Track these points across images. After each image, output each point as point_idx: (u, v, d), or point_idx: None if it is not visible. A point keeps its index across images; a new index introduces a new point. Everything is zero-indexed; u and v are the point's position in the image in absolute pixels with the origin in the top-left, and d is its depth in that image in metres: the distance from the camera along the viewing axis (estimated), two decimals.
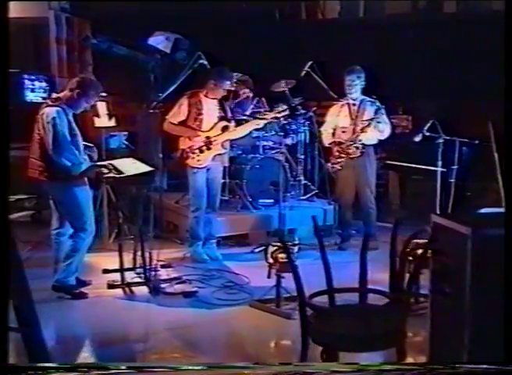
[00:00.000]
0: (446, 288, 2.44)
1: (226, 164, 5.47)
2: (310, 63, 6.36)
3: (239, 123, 5.46)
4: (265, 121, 5.47)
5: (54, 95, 4.43)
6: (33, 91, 6.96)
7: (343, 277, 2.97)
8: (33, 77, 6.96)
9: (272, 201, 6.00)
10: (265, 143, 6.20)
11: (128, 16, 7.34)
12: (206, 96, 5.22)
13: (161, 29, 7.16)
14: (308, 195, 6.47)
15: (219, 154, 5.23)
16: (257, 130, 6.09)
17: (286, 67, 7.06)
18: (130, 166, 4.65)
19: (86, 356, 3.59)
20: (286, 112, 5.52)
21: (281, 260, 4.07)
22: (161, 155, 6.16)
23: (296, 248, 4.24)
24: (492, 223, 2.35)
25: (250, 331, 3.88)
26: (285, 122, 6.36)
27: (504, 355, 2.16)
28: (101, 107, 5.57)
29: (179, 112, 5.18)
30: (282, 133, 6.23)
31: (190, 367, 2.34)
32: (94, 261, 5.17)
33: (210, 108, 5.23)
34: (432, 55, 7.43)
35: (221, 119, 5.25)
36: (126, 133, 6.30)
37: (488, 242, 2.25)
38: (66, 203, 4.33)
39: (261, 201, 6.03)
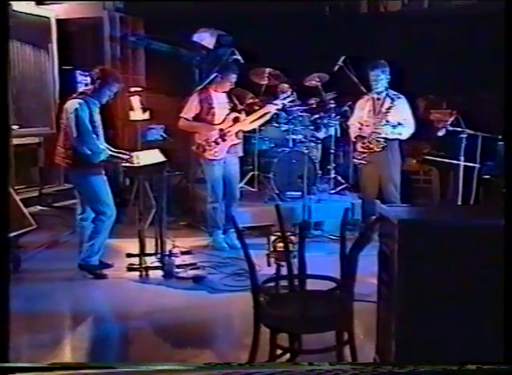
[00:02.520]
0: (384, 276, 2.50)
1: (241, 154, 5.65)
2: (343, 58, 6.39)
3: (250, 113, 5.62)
4: (272, 108, 5.58)
5: (80, 90, 4.79)
6: (86, 85, 7.42)
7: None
8: (86, 73, 7.41)
9: (299, 193, 6.09)
10: (295, 137, 6.30)
11: (179, 13, 7.62)
12: (215, 90, 5.44)
13: (205, 25, 7.45)
14: (338, 189, 6.52)
15: (234, 144, 5.43)
16: (286, 123, 6.24)
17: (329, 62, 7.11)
18: (151, 157, 4.95)
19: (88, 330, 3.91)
20: (291, 98, 5.64)
21: (279, 249, 4.19)
22: (194, 148, 6.47)
23: (295, 239, 4.32)
24: (423, 214, 2.39)
25: (245, 316, 4.03)
26: (316, 116, 6.47)
27: (504, 355, 2.18)
28: (135, 101, 5.87)
29: (191, 108, 5.42)
30: (312, 127, 6.32)
31: (186, 367, 2.52)
32: (123, 245, 5.52)
33: (220, 102, 5.44)
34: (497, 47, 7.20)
35: (231, 110, 5.44)
36: (162, 126, 6.60)
37: (413, 232, 2.29)
38: (84, 189, 4.70)
39: (288, 193, 6.15)
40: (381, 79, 5.45)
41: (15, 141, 7.46)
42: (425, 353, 2.30)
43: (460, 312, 2.30)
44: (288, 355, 2.88)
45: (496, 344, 2.13)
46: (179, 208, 6.72)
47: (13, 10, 7.31)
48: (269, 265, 4.28)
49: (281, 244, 4.29)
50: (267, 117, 5.62)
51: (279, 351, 2.81)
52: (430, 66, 7.63)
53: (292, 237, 4.43)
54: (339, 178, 6.59)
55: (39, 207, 7.32)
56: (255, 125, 5.62)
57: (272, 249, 4.32)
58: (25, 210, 5.56)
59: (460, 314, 2.29)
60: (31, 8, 7.62)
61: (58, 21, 7.87)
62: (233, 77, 5.38)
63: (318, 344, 2.85)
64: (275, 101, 5.73)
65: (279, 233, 4.37)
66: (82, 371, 2.23)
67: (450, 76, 7.39)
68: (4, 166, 2.58)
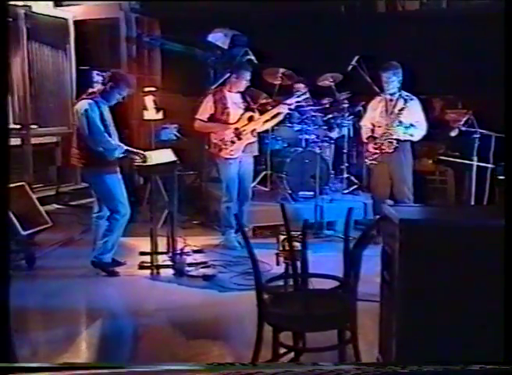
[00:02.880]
0: (386, 276, 2.51)
1: (256, 153, 5.67)
2: (357, 58, 6.37)
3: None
4: (285, 109, 5.60)
5: (89, 90, 4.86)
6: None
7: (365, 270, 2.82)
8: (103, 73, 7.49)
9: (311, 193, 6.10)
10: (308, 136, 6.31)
11: (195, 14, 7.64)
12: (229, 91, 5.49)
13: (219, 25, 7.50)
14: (351, 189, 6.51)
15: (250, 143, 5.47)
16: (299, 123, 6.26)
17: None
18: (162, 156, 5.00)
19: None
20: (306, 95, 5.64)
21: (288, 248, 4.22)
22: (206, 147, 6.51)
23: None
24: (424, 214, 2.39)
25: (253, 314, 4.05)
26: (330, 116, 6.48)
27: (504, 355, 2.17)
28: (149, 101, 5.93)
29: (206, 109, 5.48)
30: (325, 127, 6.32)
31: (190, 367, 2.54)
32: (136, 244, 5.58)
33: (234, 102, 5.49)
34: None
35: (246, 110, 5.49)
36: (176, 125, 6.66)
37: (414, 231, 2.29)
38: (99, 188, 4.78)
39: (300, 193, 6.16)
40: (392, 81, 5.42)
41: (33, 140, 7.62)
42: (426, 353, 2.30)
43: (460, 311, 2.29)
44: (292, 354, 2.91)
45: (496, 344, 2.12)
46: (193, 208, 6.78)
47: (32, 12, 7.46)
48: (278, 264, 4.31)
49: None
50: (280, 118, 5.65)
51: (283, 350, 2.85)
52: (447, 66, 7.58)
53: (300, 237, 4.47)
54: (352, 178, 6.59)
55: (56, 205, 7.45)
56: (269, 125, 5.66)
57: (281, 248, 4.36)
58: (41, 208, 5.66)
59: (461, 314, 2.29)
60: (49, 9, 7.75)
61: (76, 22, 7.99)
62: (248, 75, 5.42)
63: (323, 343, 2.88)
64: (288, 101, 5.75)
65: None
66: (86, 371, 2.21)
67: (467, 76, 7.34)
68: (4, 166, 2.57)
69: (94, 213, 4.97)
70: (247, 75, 5.41)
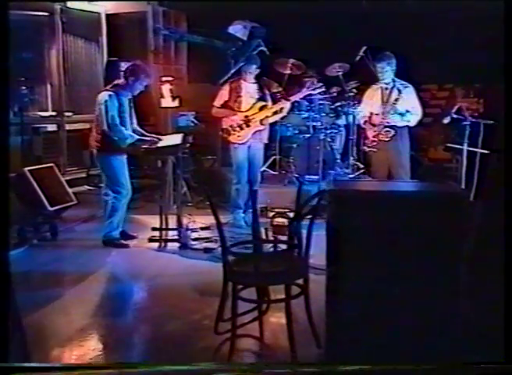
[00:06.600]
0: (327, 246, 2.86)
1: (265, 141, 6.05)
2: (364, 48, 6.62)
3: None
4: (296, 98, 5.94)
5: (114, 82, 5.36)
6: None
7: None
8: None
9: (317, 177, 6.45)
10: (315, 123, 6.64)
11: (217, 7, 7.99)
12: (245, 80, 5.89)
13: (238, 18, 7.86)
14: (357, 174, 6.81)
15: (258, 130, 5.87)
16: (307, 111, 6.61)
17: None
18: (169, 140, 5.47)
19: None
20: (322, 89, 5.96)
21: (275, 224, 4.64)
22: (220, 133, 6.93)
23: (292, 215, 4.72)
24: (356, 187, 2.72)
25: None
26: (338, 104, 6.79)
27: (504, 355, 2.25)
28: (166, 89, 6.41)
29: (221, 96, 5.93)
30: (332, 115, 6.64)
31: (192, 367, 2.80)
32: (153, 221, 6.05)
33: (249, 91, 5.90)
34: None
35: (259, 99, 5.89)
36: (193, 112, 7.11)
37: (342, 201, 2.64)
38: (106, 169, 5.30)
39: (307, 177, 6.52)
40: (386, 71, 5.63)
41: (68, 127, 8.23)
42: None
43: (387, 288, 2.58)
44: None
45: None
46: (209, 189, 7.20)
47: (67, 7, 8.05)
48: (267, 237, 4.74)
49: (278, 220, 4.76)
50: (283, 113, 5.99)
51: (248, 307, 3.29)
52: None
53: (289, 214, 4.88)
54: (358, 163, 6.88)
55: (86, 187, 8.06)
56: (274, 119, 6.02)
57: (270, 224, 4.80)
58: (67, 187, 6.22)
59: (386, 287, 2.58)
60: (83, 4, 8.33)
61: (108, 16, 8.54)
62: (252, 68, 5.84)
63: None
64: (300, 93, 6.09)
65: (277, 210, 4.85)
66: (85, 371, 2.41)
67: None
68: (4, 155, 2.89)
69: (102, 190, 5.50)
70: (253, 68, 5.81)
